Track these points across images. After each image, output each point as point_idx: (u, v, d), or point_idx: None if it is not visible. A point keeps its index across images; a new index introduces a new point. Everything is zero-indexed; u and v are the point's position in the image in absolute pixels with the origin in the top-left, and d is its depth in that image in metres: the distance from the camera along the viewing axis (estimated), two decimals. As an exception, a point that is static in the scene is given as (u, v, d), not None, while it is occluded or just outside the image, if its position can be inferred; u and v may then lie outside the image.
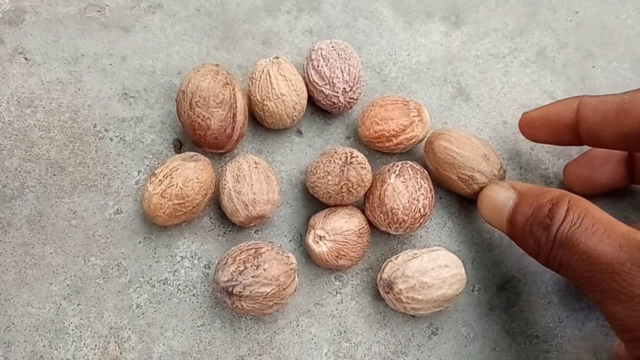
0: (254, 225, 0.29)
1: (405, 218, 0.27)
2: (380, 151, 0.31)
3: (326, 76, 0.29)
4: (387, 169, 0.28)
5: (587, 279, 0.19)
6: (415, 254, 0.27)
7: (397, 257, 0.27)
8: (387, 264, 0.27)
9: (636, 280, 0.18)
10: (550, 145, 0.32)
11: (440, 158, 0.28)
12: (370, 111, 0.29)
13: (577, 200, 0.21)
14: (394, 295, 0.26)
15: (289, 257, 0.26)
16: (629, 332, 0.18)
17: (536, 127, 0.28)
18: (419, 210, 0.27)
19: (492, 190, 0.25)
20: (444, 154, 0.28)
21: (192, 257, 0.28)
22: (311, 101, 0.31)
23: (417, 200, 0.27)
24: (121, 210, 0.29)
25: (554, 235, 0.21)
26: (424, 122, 0.29)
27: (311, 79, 0.30)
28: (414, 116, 0.29)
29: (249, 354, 0.27)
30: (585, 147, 0.30)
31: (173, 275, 0.28)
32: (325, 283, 0.29)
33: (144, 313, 0.27)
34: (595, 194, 0.30)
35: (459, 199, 0.31)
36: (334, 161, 0.27)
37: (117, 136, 0.30)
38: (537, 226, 0.21)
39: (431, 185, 0.28)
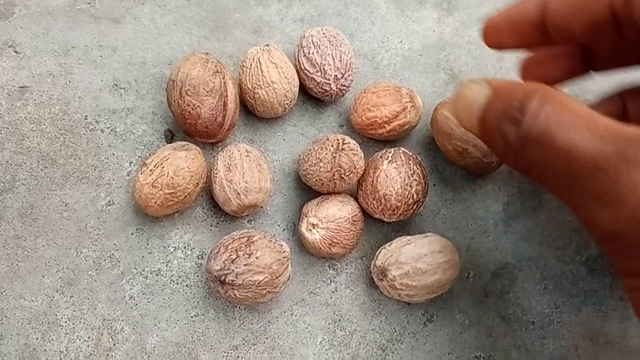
0: (247, 215, 0.29)
1: (399, 204, 0.27)
2: (373, 138, 0.30)
3: (317, 63, 0.29)
4: (379, 155, 0.28)
5: (564, 179, 0.17)
6: (409, 240, 0.27)
7: (391, 244, 0.27)
8: (380, 251, 0.27)
9: (623, 176, 0.15)
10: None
11: (440, 127, 0.28)
12: (362, 98, 0.29)
13: (554, 92, 0.18)
14: (388, 282, 0.26)
15: (281, 245, 0.26)
16: (617, 242, 0.16)
17: (500, 32, 0.25)
18: (412, 197, 0.27)
19: (466, 88, 0.23)
20: (444, 124, 0.28)
21: (184, 247, 0.28)
22: (303, 89, 0.30)
23: (410, 186, 0.27)
24: (113, 202, 0.29)
25: (526, 131, 0.18)
26: (417, 108, 0.29)
27: (302, 67, 0.29)
28: (406, 102, 0.29)
29: (243, 344, 0.27)
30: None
31: (166, 266, 0.28)
32: (320, 272, 0.29)
33: (137, 304, 0.27)
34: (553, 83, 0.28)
35: (453, 185, 0.30)
36: (325, 148, 0.27)
37: (108, 128, 0.30)
38: (506, 122, 0.19)
39: (424, 172, 0.28)
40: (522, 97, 0.19)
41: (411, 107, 0.29)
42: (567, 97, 0.18)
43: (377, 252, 0.27)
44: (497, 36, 0.26)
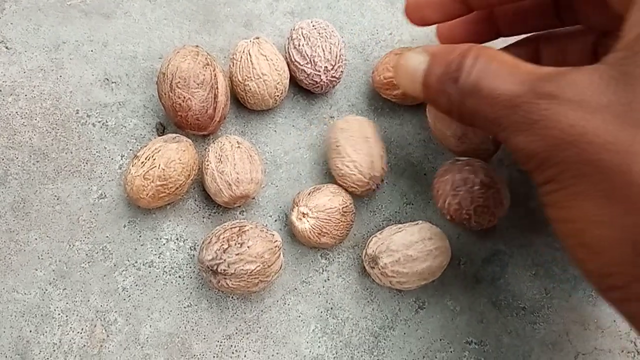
0: (239, 206, 0.29)
1: None
2: (390, 100, 0.31)
3: (307, 55, 0.29)
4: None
5: (493, 120, 0.20)
6: (400, 228, 0.27)
7: (382, 232, 0.27)
8: (371, 239, 0.27)
9: (534, 107, 0.18)
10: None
11: (438, 112, 0.29)
12: (385, 57, 0.30)
13: (484, 49, 0.21)
14: (379, 269, 0.26)
15: (273, 234, 0.26)
16: (533, 159, 0.18)
17: (423, 6, 0.27)
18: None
19: (405, 58, 0.24)
20: None
21: (177, 239, 0.28)
22: (293, 82, 0.31)
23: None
24: (105, 195, 0.29)
25: (463, 85, 0.21)
26: None
27: (293, 59, 0.29)
28: None
29: (236, 333, 0.27)
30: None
31: (158, 257, 0.28)
32: (312, 261, 0.29)
33: (130, 296, 0.27)
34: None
35: (444, 174, 0.31)
36: None
37: (99, 122, 0.30)
38: (448, 82, 0.21)
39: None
40: (458, 57, 0.21)
41: None
42: (497, 51, 0.21)
43: (368, 241, 0.27)
44: (420, 12, 0.27)
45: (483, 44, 0.22)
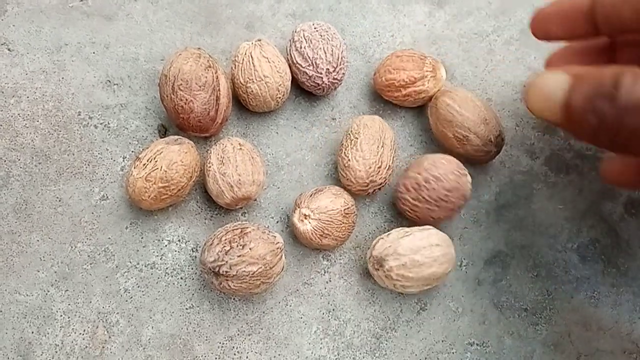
0: (241, 207, 0.29)
1: None
2: (391, 102, 0.31)
3: (309, 57, 0.29)
4: None
5: None
6: (407, 232, 0.27)
7: (389, 234, 0.27)
8: (377, 241, 0.27)
9: None
10: (534, 121, 0.32)
11: (440, 114, 0.29)
12: (387, 59, 0.30)
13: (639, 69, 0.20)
14: (384, 272, 0.26)
15: (275, 236, 0.26)
16: None
17: (550, 21, 0.26)
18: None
19: (542, 78, 0.23)
20: (445, 111, 0.29)
21: (179, 240, 0.28)
22: (295, 83, 0.31)
23: None
24: (107, 197, 0.29)
25: (623, 102, 0.19)
26: (437, 79, 0.30)
27: (294, 61, 0.30)
28: (427, 71, 0.29)
29: (238, 334, 0.27)
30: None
31: (160, 259, 0.28)
32: (313, 262, 0.29)
33: (132, 297, 0.27)
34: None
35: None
36: None
37: (101, 123, 0.30)
38: (601, 99, 0.20)
39: None
40: (613, 75, 0.20)
41: (431, 76, 0.29)
42: None
43: (373, 242, 0.27)
44: (546, 26, 0.26)
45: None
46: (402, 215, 0.30)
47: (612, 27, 0.24)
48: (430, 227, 0.27)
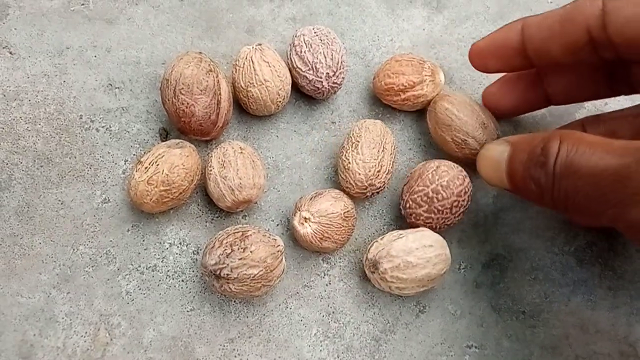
0: (241, 211, 0.29)
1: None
2: (390, 106, 0.31)
3: (309, 61, 0.29)
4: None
5: (598, 198, 0.19)
6: (401, 234, 0.27)
7: (383, 237, 0.28)
8: (372, 244, 0.27)
9: None
10: (533, 123, 0.32)
11: (439, 118, 0.29)
12: (386, 64, 0.31)
13: (568, 132, 0.21)
14: (379, 274, 0.26)
15: (275, 239, 0.26)
16: None
17: (485, 56, 0.27)
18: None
19: (487, 149, 0.25)
20: (444, 115, 0.29)
21: (180, 243, 0.29)
22: (295, 88, 0.31)
23: None
24: (109, 200, 0.29)
25: (552, 168, 0.21)
26: (436, 84, 0.30)
27: (294, 65, 0.30)
28: (426, 75, 0.30)
29: (238, 337, 0.27)
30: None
31: (162, 261, 0.28)
32: (313, 265, 0.29)
33: (133, 300, 0.28)
34: (512, 116, 0.30)
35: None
36: None
37: (103, 127, 0.30)
38: (534, 167, 0.21)
39: None
40: (541, 142, 0.21)
41: (430, 81, 0.30)
42: (581, 133, 0.21)
43: (369, 246, 0.28)
44: (483, 61, 0.28)
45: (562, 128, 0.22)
46: (401, 219, 0.30)
47: (543, 61, 0.25)
48: (424, 228, 0.28)
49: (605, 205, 0.19)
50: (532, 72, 0.29)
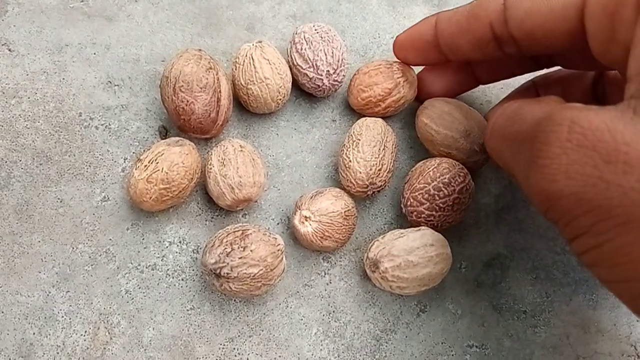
0: (241, 209, 0.29)
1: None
2: (374, 116, 0.31)
3: (310, 59, 0.29)
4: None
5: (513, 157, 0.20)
6: (402, 233, 0.27)
7: (384, 236, 0.27)
8: (373, 243, 0.27)
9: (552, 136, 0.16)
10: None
11: (422, 134, 0.29)
12: (355, 80, 0.30)
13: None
14: (380, 274, 0.26)
15: (275, 238, 0.26)
16: (556, 205, 0.16)
17: (405, 49, 0.28)
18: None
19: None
20: (424, 131, 0.29)
21: (180, 242, 0.29)
22: (296, 85, 0.31)
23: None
24: (108, 198, 0.29)
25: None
26: (410, 82, 0.30)
27: (295, 63, 0.30)
28: (398, 78, 0.29)
29: (239, 336, 0.27)
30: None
31: (161, 260, 0.28)
32: (314, 264, 0.29)
33: (133, 298, 0.27)
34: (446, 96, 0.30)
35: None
36: None
37: (102, 124, 0.30)
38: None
39: None
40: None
41: (404, 81, 0.29)
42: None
43: (370, 245, 0.27)
44: (403, 53, 0.29)
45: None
46: (402, 218, 0.30)
47: (456, 56, 0.26)
48: (425, 227, 0.27)
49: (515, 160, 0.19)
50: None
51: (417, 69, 0.31)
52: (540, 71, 0.29)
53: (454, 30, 0.25)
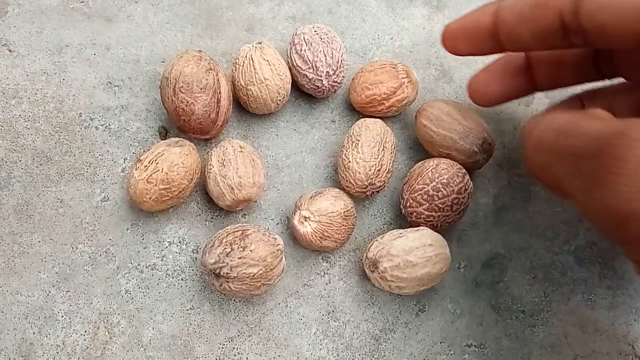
0: (241, 209, 0.29)
1: None
2: (373, 116, 0.31)
3: (309, 60, 0.29)
4: None
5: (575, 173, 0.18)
6: (401, 233, 0.27)
7: (383, 236, 0.28)
8: (372, 243, 0.27)
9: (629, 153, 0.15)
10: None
11: (421, 135, 0.29)
12: (360, 77, 0.30)
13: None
14: (379, 273, 0.26)
15: (275, 238, 0.26)
16: (627, 226, 0.15)
17: (457, 39, 0.27)
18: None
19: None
20: (424, 132, 0.29)
21: (179, 242, 0.29)
22: (295, 86, 0.31)
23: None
24: (108, 198, 0.29)
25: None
26: (414, 83, 0.30)
27: (295, 64, 0.30)
28: (403, 78, 0.30)
29: (238, 335, 0.27)
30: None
31: (161, 260, 0.28)
32: (313, 264, 0.29)
33: (132, 298, 0.28)
34: (499, 103, 0.30)
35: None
36: None
37: (102, 125, 0.30)
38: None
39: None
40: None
41: (408, 82, 0.30)
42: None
43: (369, 245, 0.28)
44: (454, 43, 0.27)
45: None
46: (401, 218, 0.30)
47: (514, 46, 0.25)
48: (424, 228, 0.28)
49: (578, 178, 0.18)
50: (520, 59, 0.29)
51: (422, 73, 0.31)
52: (597, 83, 0.28)
53: (516, 19, 0.24)
